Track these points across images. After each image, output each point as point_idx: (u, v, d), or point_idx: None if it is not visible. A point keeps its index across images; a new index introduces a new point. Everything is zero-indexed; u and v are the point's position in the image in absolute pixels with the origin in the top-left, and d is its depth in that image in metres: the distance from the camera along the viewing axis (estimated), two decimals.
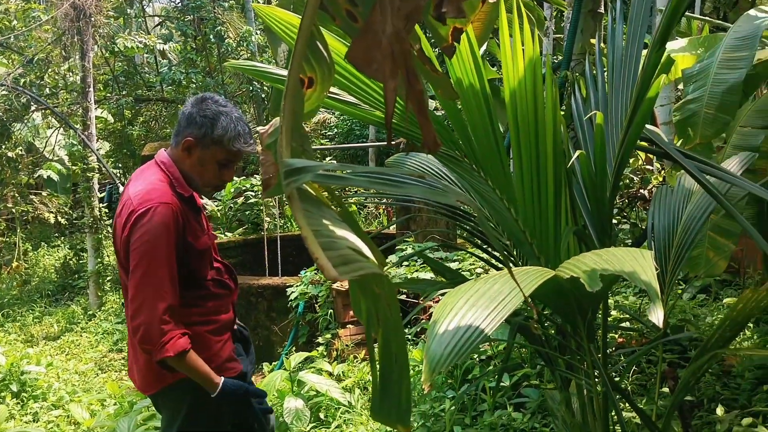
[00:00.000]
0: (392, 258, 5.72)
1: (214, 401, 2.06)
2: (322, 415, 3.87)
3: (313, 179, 0.67)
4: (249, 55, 10.55)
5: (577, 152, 1.47)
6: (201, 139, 2.09)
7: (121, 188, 8.55)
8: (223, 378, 2.09)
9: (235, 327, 2.40)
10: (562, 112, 3.27)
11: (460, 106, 1.71)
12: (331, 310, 5.14)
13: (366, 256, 0.75)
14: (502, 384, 3.08)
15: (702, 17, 5.52)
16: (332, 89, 1.64)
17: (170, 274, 1.98)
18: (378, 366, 0.78)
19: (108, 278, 8.73)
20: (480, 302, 1.03)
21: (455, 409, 3.09)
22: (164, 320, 1.93)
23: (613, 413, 1.78)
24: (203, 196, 2.32)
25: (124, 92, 11.19)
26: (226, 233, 8.78)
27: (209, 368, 2.06)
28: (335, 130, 12.07)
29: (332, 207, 0.84)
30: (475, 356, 3.56)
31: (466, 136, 1.70)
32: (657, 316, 0.93)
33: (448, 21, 0.88)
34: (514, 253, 2.05)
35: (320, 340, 5.00)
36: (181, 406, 2.13)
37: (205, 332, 2.14)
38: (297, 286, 5.46)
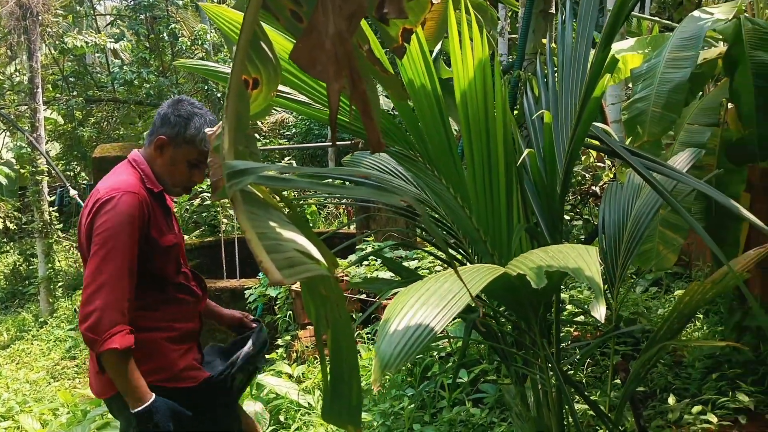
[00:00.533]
0: (352, 257, 5.71)
1: (168, 408, 2.01)
2: (282, 418, 3.84)
3: (256, 181, 0.66)
4: (204, 54, 10.40)
5: (526, 151, 1.50)
6: (173, 138, 2.10)
7: (72, 191, 8.33)
8: (154, 397, 1.97)
9: (250, 319, 2.45)
10: (516, 112, 3.32)
11: (413, 106, 1.72)
12: (291, 312, 5.11)
13: (314, 258, 0.75)
14: (460, 380, 3.11)
15: (650, 17, 5.67)
16: (285, 89, 1.63)
17: (129, 264, 1.93)
18: (328, 367, 0.78)
19: (59, 284, 8.50)
20: (430, 301, 1.04)
21: (415, 406, 3.11)
22: (118, 310, 1.87)
23: (567, 406, 1.81)
24: (173, 197, 2.28)
25: (74, 93, 10.89)
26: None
27: (143, 382, 1.94)
28: (294, 130, 11.98)
29: (281, 209, 0.84)
30: (435, 353, 3.59)
31: (420, 136, 1.71)
32: (599, 311, 0.95)
33: (397, 22, 0.88)
34: (470, 250, 2.08)
35: (280, 342, 4.96)
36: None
37: (161, 339, 2.08)
38: (255, 288, 5.41)
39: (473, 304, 2.13)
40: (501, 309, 1.96)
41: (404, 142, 1.80)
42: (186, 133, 2.10)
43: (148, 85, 10.18)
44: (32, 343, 6.96)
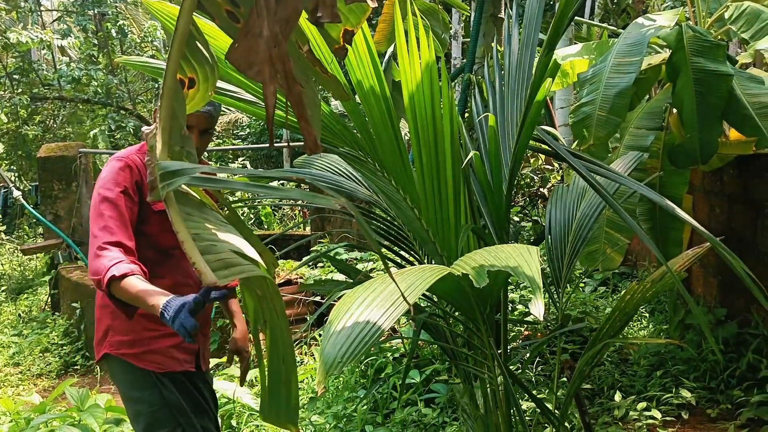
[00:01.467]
0: (306, 259, 5.67)
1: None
2: (233, 422, 3.79)
3: (189, 182, 0.65)
4: (154, 51, 10.19)
5: (471, 153, 1.51)
6: None
7: (16, 192, 8.05)
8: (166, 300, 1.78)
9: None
10: (467, 114, 3.35)
11: (362, 108, 1.72)
12: (243, 315, 5.04)
13: (250, 259, 0.74)
14: (413, 381, 3.12)
15: (598, 24, 5.81)
16: (232, 87, 1.61)
17: (121, 217, 1.97)
18: (266, 367, 0.77)
19: (2, 288, 8.19)
20: (375, 302, 1.04)
21: (367, 408, 3.11)
22: (104, 248, 1.89)
23: (514, 405, 1.83)
24: None
25: (18, 90, 10.52)
26: None
27: (152, 292, 1.79)
28: (247, 130, 11.85)
29: (217, 209, 0.83)
30: (388, 354, 3.60)
31: (369, 138, 1.71)
32: (538, 308, 0.97)
33: (333, 25, 0.88)
34: (420, 251, 2.09)
35: None
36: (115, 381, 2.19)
37: (140, 314, 1.95)
38: None
39: (422, 305, 2.14)
40: (450, 309, 1.98)
41: (354, 144, 1.80)
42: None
43: (96, 83, 9.91)
44: None
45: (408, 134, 1.92)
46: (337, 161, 2.31)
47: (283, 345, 0.76)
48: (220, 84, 1.53)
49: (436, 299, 1.91)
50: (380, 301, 1.03)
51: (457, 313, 1.82)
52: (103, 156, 10.22)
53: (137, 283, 1.82)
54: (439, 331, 1.89)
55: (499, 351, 1.81)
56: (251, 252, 0.76)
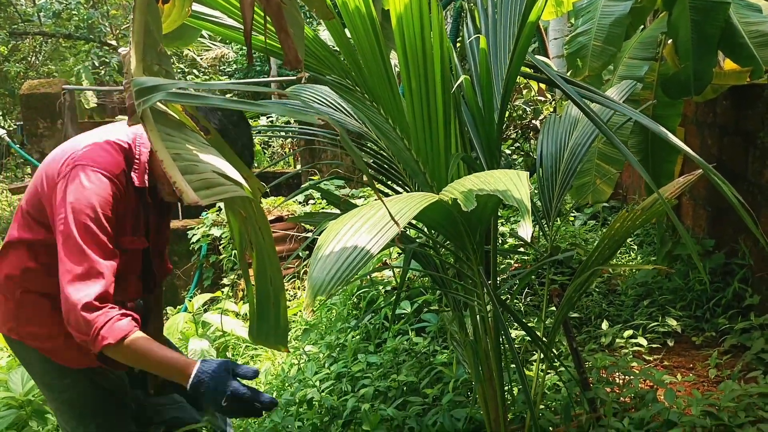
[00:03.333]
0: (299, 197, 5.67)
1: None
2: (229, 354, 3.86)
3: (166, 98, 0.62)
4: None
5: (461, 77, 1.48)
6: None
7: (1, 131, 7.91)
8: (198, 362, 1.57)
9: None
10: (459, 44, 3.27)
11: (349, 34, 1.67)
12: (236, 251, 5.07)
13: (234, 181, 0.72)
14: (404, 311, 3.17)
15: None
16: (213, 12, 1.55)
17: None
18: (254, 290, 0.76)
19: None
20: (364, 228, 1.03)
21: (360, 338, 3.16)
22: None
23: (502, 332, 1.86)
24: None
25: None
26: None
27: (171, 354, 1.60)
28: (234, 66, 11.60)
29: (199, 132, 0.80)
30: (380, 287, 3.64)
31: (356, 64, 1.67)
32: (526, 230, 0.96)
33: None
34: (410, 182, 2.08)
35: (225, 281, 4.93)
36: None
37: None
38: (198, 228, 5.33)
39: (412, 235, 2.14)
40: (440, 239, 1.98)
41: (341, 72, 1.76)
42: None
43: (77, 17, 9.61)
44: None
45: (398, 65, 1.87)
46: (326, 92, 2.26)
47: (270, 267, 0.75)
48: (200, 8, 1.48)
49: (426, 230, 1.91)
50: (369, 226, 1.02)
51: (447, 243, 1.82)
52: (87, 93, 10.00)
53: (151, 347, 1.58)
54: (429, 261, 1.90)
55: (489, 281, 1.82)
56: (235, 174, 0.74)
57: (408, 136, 1.78)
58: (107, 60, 10.31)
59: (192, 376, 1.49)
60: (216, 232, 5.16)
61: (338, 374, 2.77)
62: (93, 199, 1.64)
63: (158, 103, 0.75)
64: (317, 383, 2.68)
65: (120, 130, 1.80)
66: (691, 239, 3.66)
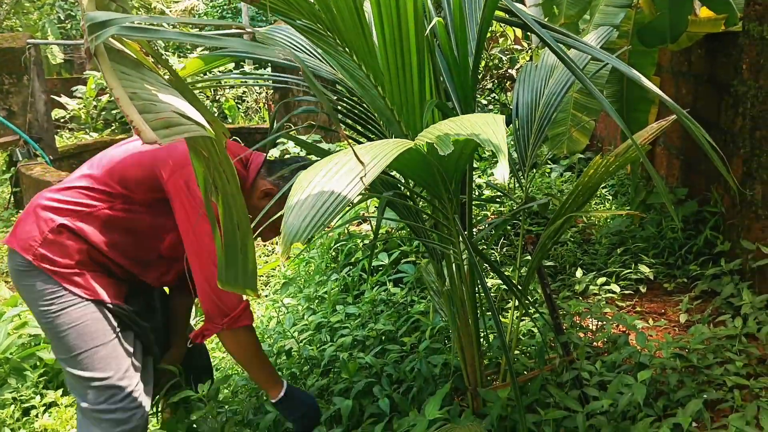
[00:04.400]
0: (273, 152, 5.60)
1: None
2: None
3: (119, 32, 0.59)
4: None
5: (435, 20, 1.44)
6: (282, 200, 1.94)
7: None
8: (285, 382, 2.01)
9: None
10: None
11: None
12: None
13: (195, 121, 0.70)
14: (382, 263, 3.18)
15: None
16: None
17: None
18: (221, 234, 0.75)
19: None
20: (338, 174, 1.01)
21: (338, 290, 3.18)
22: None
23: (478, 279, 1.88)
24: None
25: None
26: (92, 133, 8.19)
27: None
28: (205, 18, 11.28)
29: (158, 72, 0.77)
30: (359, 240, 3.65)
31: (327, 7, 1.62)
32: (503, 173, 0.95)
33: None
34: (385, 132, 2.05)
35: None
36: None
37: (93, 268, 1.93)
38: None
39: (392, 182, 2.13)
40: (418, 190, 1.97)
41: (312, 16, 1.70)
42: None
43: None
44: None
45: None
46: (297, 36, 2.21)
47: (237, 211, 0.74)
48: None
49: (402, 179, 1.89)
50: (344, 172, 1.01)
51: (423, 192, 1.81)
52: (54, 48, 9.69)
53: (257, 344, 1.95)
54: (405, 210, 1.89)
55: (465, 231, 1.83)
56: (196, 115, 0.71)
57: (382, 83, 1.74)
58: (73, 13, 9.96)
59: (284, 389, 1.95)
60: None
61: (317, 325, 2.79)
62: None
63: (114, 41, 0.71)
64: (296, 334, 2.70)
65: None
66: (665, 187, 3.70)
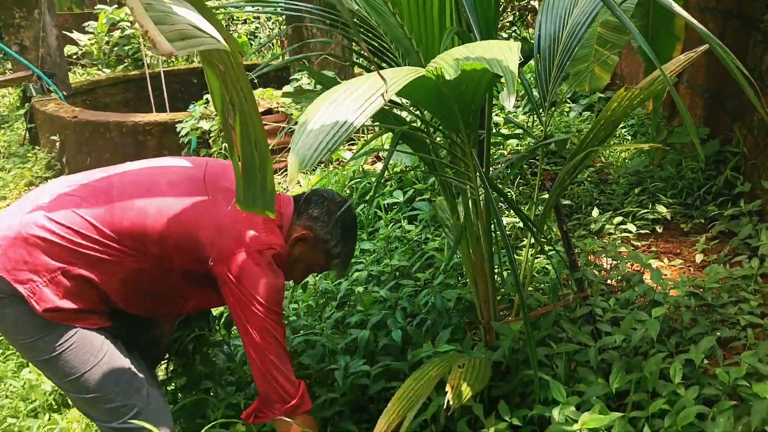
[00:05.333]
0: (287, 88, 5.53)
1: None
2: None
3: None
4: None
5: None
6: (317, 243, 1.89)
7: None
8: None
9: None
10: None
11: None
12: (226, 144, 5.01)
13: (211, 35, 0.67)
14: (396, 200, 3.18)
15: None
16: None
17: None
18: (239, 154, 0.74)
19: None
20: (348, 101, 0.99)
21: None
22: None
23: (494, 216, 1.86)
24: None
25: None
26: (104, 70, 8.12)
27: None
28: None
29: None
30: (372, 180, 3.63)
31: None
32: (509, 99, 0.93)
33: None
34: (402, 62, 2.01)
35: None
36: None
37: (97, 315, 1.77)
38: (187, 121, 5.23)
39: (407, 116, 2.09)
40: (434, 122, 1.94)
41: None
42: (333, 249, 1.90)
43: None
44: None
45: None
46: None
47: (254, 129, 0.72)
48: None
49: (417, 111, 1.86)
50: (354, 98, 0.99)
51: (439, 124, 1.78)
52: None
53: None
54: (420, 144, 1.87)
55: (482, 167, 1.80)
56: (212, 30, 0.69)
57: (401, 11, 1.69)
58: None
59: None
60: (205, 125, 5.07)
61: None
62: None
63: None
64: None
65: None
66: (692, 121, 3.62)
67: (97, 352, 1.72)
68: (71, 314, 1.69)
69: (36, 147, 7.07)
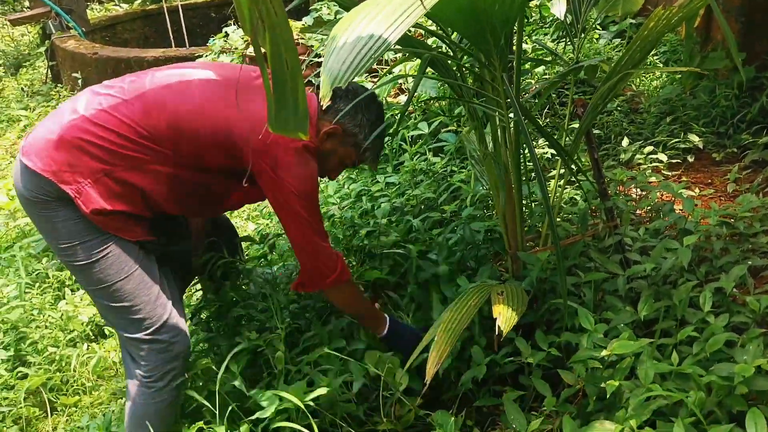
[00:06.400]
0: (306, 19, 5.41)
1: None
2: None
3: None
4: None
5: None
6: (347, 136, 1.89)
7: None
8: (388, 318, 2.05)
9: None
10: None
11: None
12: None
13: None
14: (422, 132, 3.13)
15: None
16: None
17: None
18: (270, 75, 0.71)
19: None
20: (380, 16, 0.95)
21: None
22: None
23: (524, 143, 1.83)
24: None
25: None
26: (122, 5, 8.00)
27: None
28: None
29: None
30: (396, 112, 3.58)
31: None
32: (560, 8, 0.88)
33: None
34: None
35: None
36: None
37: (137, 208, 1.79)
38: (207, 55, 5.16)
39: (434, 42, 2.02)
40: (464, 45, 1.88)
41: None
42: (362, 141, 1.88)
43: None
44: None
45: None
46: None
47: (286, 47, 0.70)
48: None
49: (446, 36, 1.80)
50: (387, 12, 0.95)
51: (469, 47, 1.72)
52: None
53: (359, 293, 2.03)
54: (448, 70, 1.82)
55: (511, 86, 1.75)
56: None
57: None
58: None
59: (388, 326, 1.99)
60: (225, 59, 5.01)
61: (357, 193, 2.80)
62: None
63: None
64: (337, 200, 2.72)
65: None
66: (721, 54, 3.48)
67: (131, 263, 1.78)
68: (115, 219, 1.73)
69: (59, 84, 7.07)
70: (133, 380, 1.88)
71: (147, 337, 1.82)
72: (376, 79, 4.27)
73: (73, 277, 2.39)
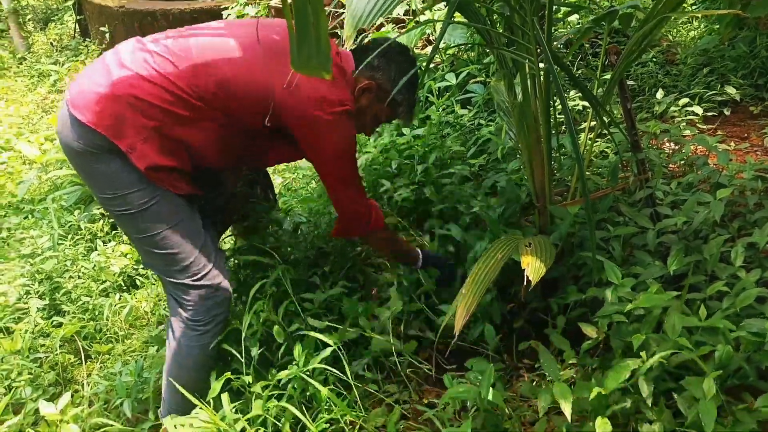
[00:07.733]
0: None
1: None
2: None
3: None
4: None
5: None
6: (382, 92, 1.90)
7: None
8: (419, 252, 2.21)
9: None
10: None
11: None
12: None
13: None
14: (449, 83, 3.07)
15: None
16: None
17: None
18: (292, 12, 0.69)
19: (29, 18, 8.04)
20: None
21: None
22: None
23: (555, 92, 1.78)
24: None
25: None
26: None
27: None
28: None
29: None
30: (423, 63, 3.51)
31: None
32: None
33: None
34: None
35: None
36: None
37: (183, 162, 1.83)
38: (233, 7, 5.10)
39: None
40: None
41: None
42: (397, 96, 1.90)
43: None
44: (16, 80, 6.81)
45: None
46: None
47: None
48: None
49: None
50: None
51: None
52: None
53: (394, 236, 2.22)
54: (476, 14, 1.76)
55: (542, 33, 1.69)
56: None
57: None
58: None
59: (421, 258, 2.17)
60: (251, 10, 4.94)
61: (384, 147, 2.77)
62: None
63: None
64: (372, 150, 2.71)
65: None
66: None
67: (177, 213, 1.84)
68: (166, 173, 1.78)
69: (87, 39, 7.09)
70: (178, 324, 1.95)
71: (194, 282, 1.89)
72: (403, 31, 4.19)
73: (117, 226, 2.42)
